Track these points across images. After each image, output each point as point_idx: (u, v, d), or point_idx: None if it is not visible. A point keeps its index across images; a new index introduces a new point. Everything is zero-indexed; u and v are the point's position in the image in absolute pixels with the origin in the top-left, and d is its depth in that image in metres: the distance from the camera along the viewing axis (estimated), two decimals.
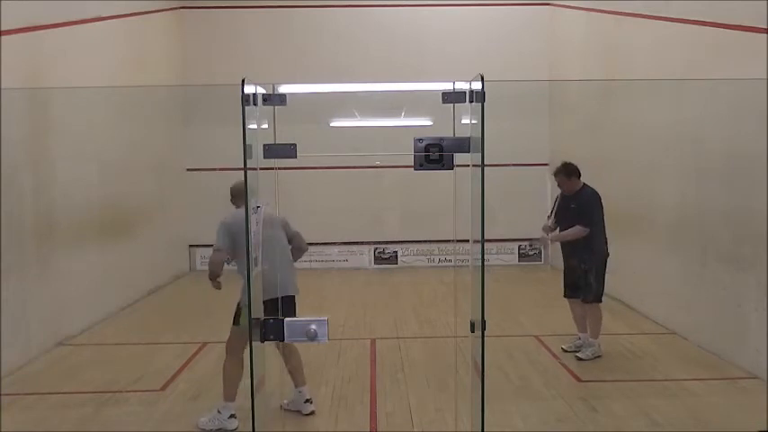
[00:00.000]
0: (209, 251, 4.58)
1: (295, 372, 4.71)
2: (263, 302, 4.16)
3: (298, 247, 4.83)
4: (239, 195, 4.52)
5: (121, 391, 5.27)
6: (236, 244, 4.39)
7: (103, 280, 7.87)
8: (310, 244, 5.40)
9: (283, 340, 2.42)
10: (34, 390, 5.37)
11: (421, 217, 11.00)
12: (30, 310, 6.13)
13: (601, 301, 6.05)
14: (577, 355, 6.01)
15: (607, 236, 6.03)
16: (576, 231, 5.87)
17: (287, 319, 2.41)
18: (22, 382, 5.56)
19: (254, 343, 2.38)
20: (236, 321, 4.47)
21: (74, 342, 6.82)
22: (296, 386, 4.71)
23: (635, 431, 4.40)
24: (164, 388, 5.38)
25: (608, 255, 6.01)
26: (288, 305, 4.49)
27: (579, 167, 6.16)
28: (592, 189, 6.07)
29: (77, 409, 4.91)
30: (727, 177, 5.87)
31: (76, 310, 7.11)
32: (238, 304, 4.46)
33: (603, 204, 6.05)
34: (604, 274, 6.01)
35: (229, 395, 4.47)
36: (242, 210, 3.73)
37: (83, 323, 7.29)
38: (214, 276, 4.46)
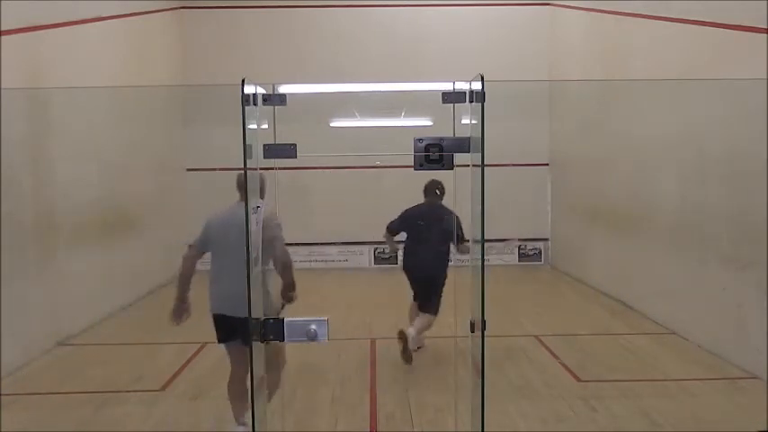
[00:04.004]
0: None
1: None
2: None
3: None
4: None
5: (121, 391, 5.27)
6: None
7: (103, 280, 7.87)
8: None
9: (283, 340, 2.42)
10: (34, 390, 5.38)
11: None
12: (30, 310, 6.13)
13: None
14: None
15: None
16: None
17: (287, 319, 2.42)
18: (22, 382, 5.57)
19: (254, 343, 2.38)
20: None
21: (74, 342, 6.82)
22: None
23: (635, 431, 4.40)
24: (164, 388, 5.38)
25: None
26: None
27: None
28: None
29: (77, 409, 4.91)
30: (728, 177, 5.87)
31: (76, 310, 7.11)
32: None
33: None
34: None
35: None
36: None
37: (83, 323, 7.29)
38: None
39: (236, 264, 3.71)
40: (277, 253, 4.07)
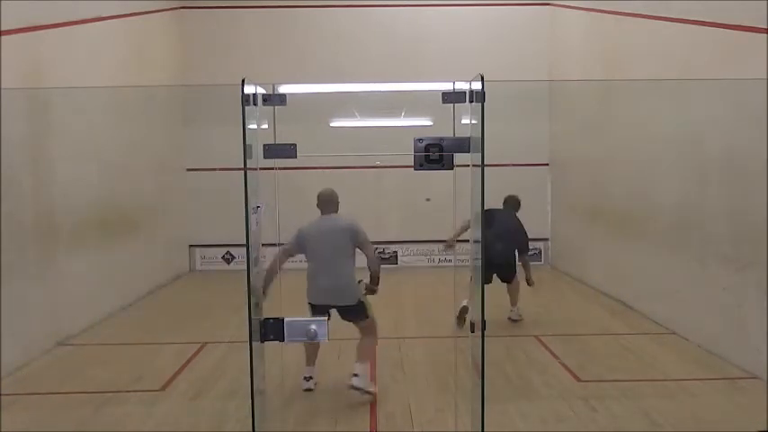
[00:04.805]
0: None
1: (358, 349, 5.05)
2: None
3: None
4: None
5: (121, 391, 5.27)
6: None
7: (103, 280, 7.87)
8: None
9: (283, 340, 2.42)
10: (34, 390, 5.38)
11: (421, 217, 11.00)
12: (30, 310, 6.13)
13: None
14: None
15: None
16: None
17: (287, 318, 2.42)
18: (22, 382, 5.57)
19: (253, 343, 2.38)
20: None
21: (74, 342, 6.82)
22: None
23: (635, 431, 4.40)
24: (164, 388, 5.38)
25: None
26: None
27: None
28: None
29: (77, 409, 4.91)
30: (727, 177, 5.87)
31: (76, 309, 7.11)
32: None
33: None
34: None
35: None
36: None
37: (83, 323, 7.29)
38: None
39: (330, 264, 4.98)
40: (370, 253, 5.15)
